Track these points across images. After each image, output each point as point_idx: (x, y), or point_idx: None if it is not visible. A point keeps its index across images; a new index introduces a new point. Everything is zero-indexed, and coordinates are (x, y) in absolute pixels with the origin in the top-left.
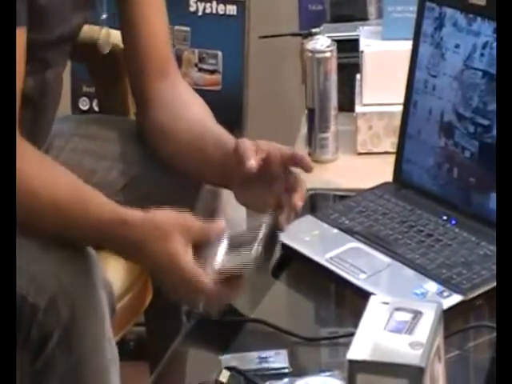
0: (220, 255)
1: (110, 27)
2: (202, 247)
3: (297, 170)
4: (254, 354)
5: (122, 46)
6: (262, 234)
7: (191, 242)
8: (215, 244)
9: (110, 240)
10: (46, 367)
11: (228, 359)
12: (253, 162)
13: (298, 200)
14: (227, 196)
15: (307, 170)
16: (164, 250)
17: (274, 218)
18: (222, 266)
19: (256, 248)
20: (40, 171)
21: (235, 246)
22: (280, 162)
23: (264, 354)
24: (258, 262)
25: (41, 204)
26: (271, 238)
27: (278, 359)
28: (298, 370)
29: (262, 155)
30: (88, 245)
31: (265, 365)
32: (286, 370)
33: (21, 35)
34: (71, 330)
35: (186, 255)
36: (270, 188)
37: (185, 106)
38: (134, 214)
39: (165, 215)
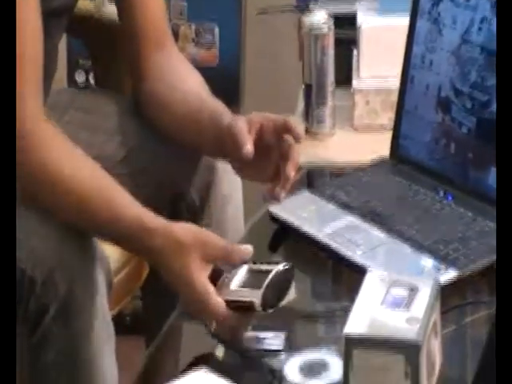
0: (236, 281)
1: None
2: (222, 266)
3: (291, 139)
4: (252, 334)
5: (117, 19)
6: (269, 279)
7: (209, 260)
8: (236, 266)
9: (127, 240)
10: (43, 340)
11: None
12: (248, 147)
13: (291, 169)
14: (223, 169)
15: (297, 138)
16: (179, 265)
17: (271, 188)
18: (230, 296)
19: (263, 291)
20: (70, 160)
21: (253, 274)
22: (273, 131)
23: (262, 334)
24: (265, 303)
25: (64, 192)
26: (284, 282)
27: (275, 342)
28: (295, 346)
29: (255, 128)
30: (101, 239)
31: (260, 346)
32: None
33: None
34: (68, 304)
35: (200, 274)
36: (266, 158)
37: (181, 78)
38: (156, 222)
39: (186, 230)
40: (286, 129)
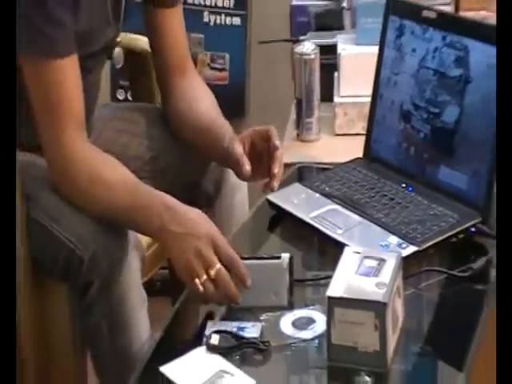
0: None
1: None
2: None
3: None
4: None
5: (149, 49)
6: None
7: (215, 247)
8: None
9: (147, 222)
10: (89, 306)
11: (212, 325)
12: (246, 168)
13: (275, 168)
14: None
15: (273, 147)
16: (190, 242)
17: (267, 182)
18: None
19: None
20: (102, 163)
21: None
22: (260, 139)
23: (242, 324)
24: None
25: (97, 185)
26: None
27: (253, 330)
28: (288, 305)
29: (248, 142)
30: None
31: (240, 333)
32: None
33: (73, 61)
34: (109, 280)
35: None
36: (259, 161)
37: (197, 100)
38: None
39: (202, 216)
40: (268, 137)
